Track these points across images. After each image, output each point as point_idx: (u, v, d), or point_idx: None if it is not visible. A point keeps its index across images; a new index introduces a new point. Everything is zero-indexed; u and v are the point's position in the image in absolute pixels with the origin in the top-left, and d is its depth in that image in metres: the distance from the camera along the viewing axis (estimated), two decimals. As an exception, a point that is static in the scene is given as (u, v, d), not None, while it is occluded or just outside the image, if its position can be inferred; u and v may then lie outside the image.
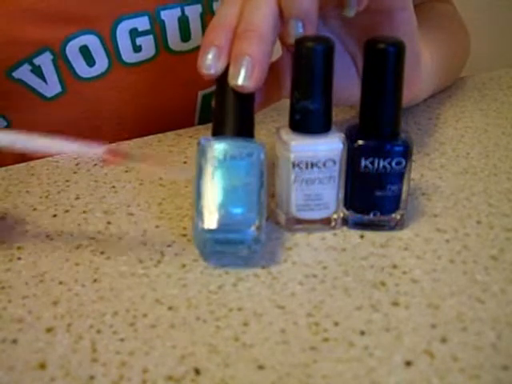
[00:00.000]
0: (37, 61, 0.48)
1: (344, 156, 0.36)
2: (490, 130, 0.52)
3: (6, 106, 0.51)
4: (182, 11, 0.52)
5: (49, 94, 0.50)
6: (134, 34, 0.51)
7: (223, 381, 0.28)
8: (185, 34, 0.53)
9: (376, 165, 0.36)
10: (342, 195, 0.38)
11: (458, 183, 0.44)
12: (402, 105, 0.37)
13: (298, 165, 0.36)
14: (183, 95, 0.57)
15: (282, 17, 0.37)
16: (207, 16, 0.54)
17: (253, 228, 0.34)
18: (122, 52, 0.51)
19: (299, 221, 0.38)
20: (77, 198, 0.42)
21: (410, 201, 0.40)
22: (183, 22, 0.53)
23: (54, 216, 0.40)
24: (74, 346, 0.30)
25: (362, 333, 0.31)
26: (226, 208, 0.34)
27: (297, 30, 0.36)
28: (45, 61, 0.49)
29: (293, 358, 0.30)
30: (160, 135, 0.51)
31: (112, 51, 0.51)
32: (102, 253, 0.37)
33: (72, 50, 0.49)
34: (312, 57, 0.35)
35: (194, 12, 0.53)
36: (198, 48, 0.38)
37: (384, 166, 0.36)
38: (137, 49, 0.52)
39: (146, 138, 0.51)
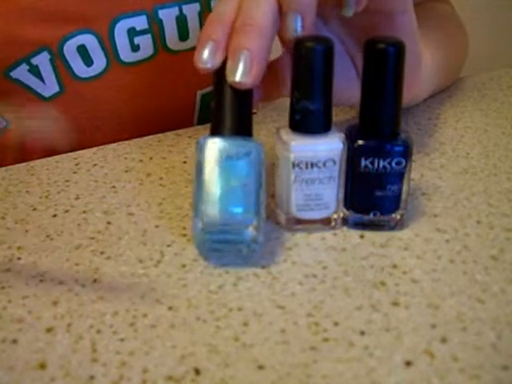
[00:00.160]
0: (34, 60, 0.48)
1: (344, 156, 0.36)
2: (490, 129, 0.52)
3: (4, 105, 0.51)
4: (180, 10, 0.52)
5: (47, 94, 0.50)
6: (132, 33, 0.51)
7: (223, 381, 0.28)
8: (183, 33, 0.53)
9: (376, 165, 0.36)
10: (341, 195, 0.38)
11: (457, 183, 0.44)
12: (402, 105, 0.37)
13: (298, 165, 0.36)
14: (182, 95, 0.57)
15: (281, 13, 0.37)
16: (205, 14, 0.53)
17: (250, 228, 0.34)
18: (120, 51, 0.51)
19: (299, 221, 0.38)
20: (77, 198, 0.42)
21: (410, 201, 0.40)
22: (181, 21, 0.53)
23: (54, 216, 0.40)
24: (73, 345, 0.30)
25: (362, 333, 0.31)
26: (224, 208, 0.34)
27: (295, 25, 0.36)
28: (42, 60, 0.48)
29: (293, 357, 0.30)
30: (160, 135, 0.51)
31: (110, 51, 0.51)
32: (101, 253, 0.37)
33: (70, 49, 0.49)
34: (312, 57, 0.35)
35: (192, 11, 0.53)
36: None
37: (384, 166, 0.36)
38: (135, 48, 0.51)
39: (145, 138, 0.51)
